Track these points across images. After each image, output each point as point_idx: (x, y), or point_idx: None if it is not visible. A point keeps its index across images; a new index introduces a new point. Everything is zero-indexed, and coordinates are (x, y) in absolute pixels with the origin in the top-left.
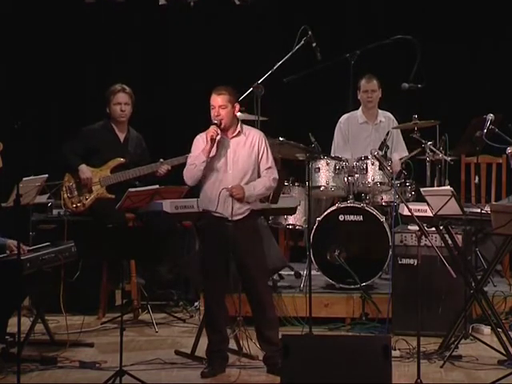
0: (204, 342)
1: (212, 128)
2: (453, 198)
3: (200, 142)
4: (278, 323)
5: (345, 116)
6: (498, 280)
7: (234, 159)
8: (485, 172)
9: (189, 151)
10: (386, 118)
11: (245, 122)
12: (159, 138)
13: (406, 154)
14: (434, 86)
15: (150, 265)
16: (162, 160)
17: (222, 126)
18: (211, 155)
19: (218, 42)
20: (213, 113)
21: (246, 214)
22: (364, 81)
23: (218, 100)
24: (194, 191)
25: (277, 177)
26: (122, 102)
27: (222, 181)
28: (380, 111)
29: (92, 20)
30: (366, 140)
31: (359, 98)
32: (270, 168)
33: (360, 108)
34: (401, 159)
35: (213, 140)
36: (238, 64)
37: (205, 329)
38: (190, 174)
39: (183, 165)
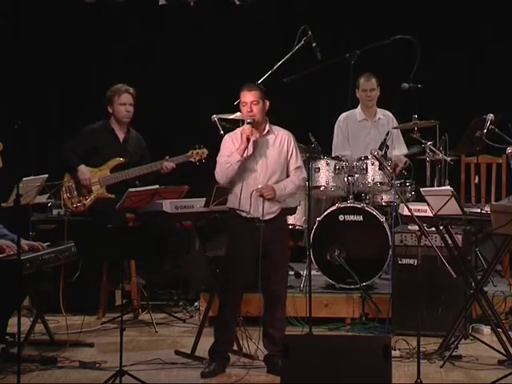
0: (204, 341)
1: (247, 127)
2: (453, 198)
3: (229, 142)
4: (285, 325)
5: (344, 114)
6: (498, 280)
7: (263, 159)
8: (485, 172)
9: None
10: (385, 115)
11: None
12: (159, 139)
13: (406, 152)
14: (434, 86)
15: (151, 265)
16: (167, 157)
17: (255, 122)
18: (246, 155)
19: (218, 42)
20: (244, 110)
21: (277, 212)
22: (363, 80)
23: (249, 96)
24: (194, 191)
25: (306, 176)
26: (127, 102)
27: (250, 180)
28: (379, 109)
29: (92, 20)
30: (365, 137)
31: (358, 96)
32: (298, 167)
33: (359, 106)
34: (406, 155)
35: (248, 140)
36: (237, 64)
37: (214, 328)
38: (225, 173)
39: (184, 164)
